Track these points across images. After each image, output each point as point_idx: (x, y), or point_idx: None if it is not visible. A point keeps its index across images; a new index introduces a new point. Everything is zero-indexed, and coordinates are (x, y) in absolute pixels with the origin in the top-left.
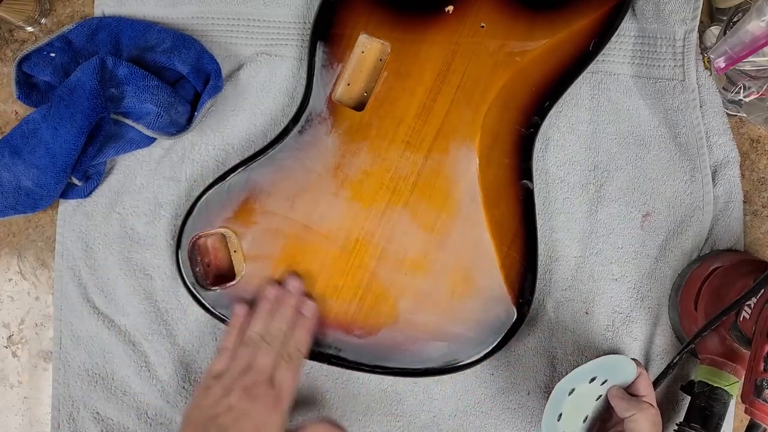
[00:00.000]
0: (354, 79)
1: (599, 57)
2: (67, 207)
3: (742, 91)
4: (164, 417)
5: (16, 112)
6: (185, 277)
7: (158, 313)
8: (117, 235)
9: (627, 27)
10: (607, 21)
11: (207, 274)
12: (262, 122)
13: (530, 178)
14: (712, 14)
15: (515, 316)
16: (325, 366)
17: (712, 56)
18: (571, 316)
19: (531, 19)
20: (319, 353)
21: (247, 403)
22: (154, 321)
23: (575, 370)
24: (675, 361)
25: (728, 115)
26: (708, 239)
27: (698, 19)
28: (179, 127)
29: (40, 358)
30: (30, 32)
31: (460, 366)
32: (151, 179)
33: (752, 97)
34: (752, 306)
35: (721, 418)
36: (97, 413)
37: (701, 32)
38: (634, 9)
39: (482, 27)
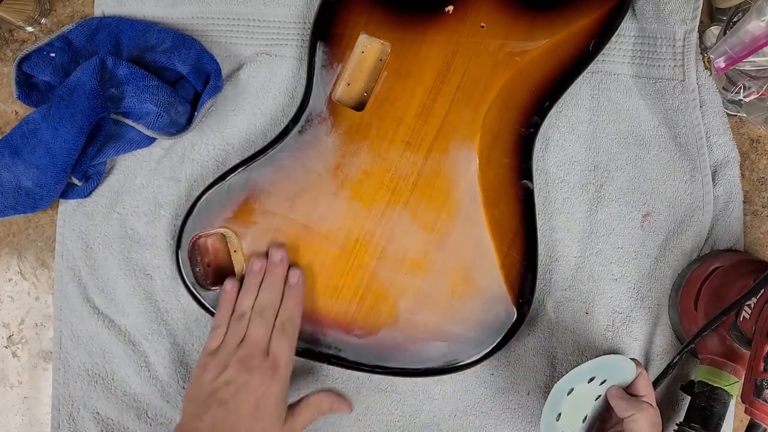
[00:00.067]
0: (354, 79)
1: (599, 57)
2: (67, 207)
3: (742, 91)
4: (164, 417)
5: (16, 112)
6: (185, 277)
7: (158, 313)
8: (117, 235)
9: (627, 27)
10: (607, 21)
11: (207, 274)
12: (262, 122)
13: (530, 178)
14: (712, 14)
15: (515, 316)
16: (325, 366)
17: (712, 56)
18: (571, 316)
19: (531, 19)
20: (319, 353)
21: (245, 376)
22: (154, 321)
23: (574, 370)
24: (675, 361)
25: (728, 115)
26: (708, 239)
27: (698, 19)
28: (179, 127)
29: (40, 358)
30: (30, 32)
31: (460, 366)
32: (151, 179)
33: (752, 97)
34: (752, 306)
35: (721, 418)
36: (97, 413)
37: (701, 32)
38: (634, 9)
39: (482, 27)
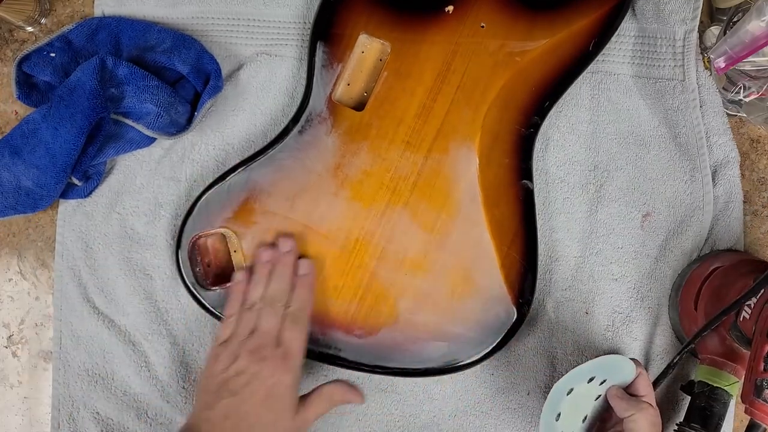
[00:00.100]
0: (354, 79)
1: (599, 57)
2: (67, 207)
3: (742, 91)
4: (164, 417)
5: (16, 112)
6: (185, 277)
7: (158, 313)
8: (117, 235)
9: (627, 27)
10: (607, 21)
11: (207, 274)
12: (262, 122)
13: (530, 178)
14: (712, 14)
15: (515, 316)
16: (325, 366)
17: (712, 56)
18: (571, 316)
19: (531, 19)
20: (319, 353)
21: (256, 366)
22: (154, 321)
23: (573, 370)
24: (675, 361)
25: (728, 115)
26: (708, 239)
27: (698, 19)
28: (179, 127)
29: (40, 358)
30: (30, 32)
31: (460, 366)
32: (151, 179)
33: (752, 97)
34: (752, 306)
35: (721, 418)
36: (97, 413)
37: (701, 32)
38: (634, 9)
39: (482, 27)
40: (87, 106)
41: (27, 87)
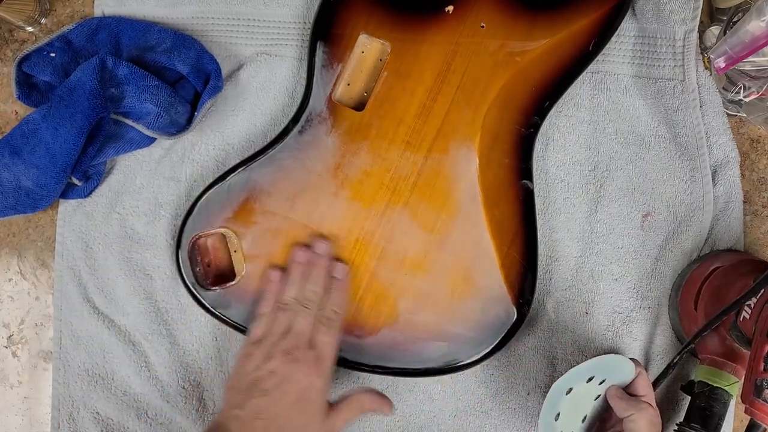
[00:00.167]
0: (354, 79)
1: (599, 57)
2: (67, 207)
3: (742, 91)
4: (164, 417)
5: (16, 112)
6: (185, 277)
7: (158, 313)
8: (117, 235)
9: (627, 27)
10: (607, 21)
11: (207, 274)
12: (262, 122)
13: (530, 178)
14: (712, 14)
15: (515, 316)
16: None
17: (712, 56)
18: (571, 316)
19: (531, 19)
20: None
21: (289, 367)
22: (154, 321)
23: (571, 369)
24: (675, 361)
25: (728, 115)
26: (708, 239)
27: (698, 19)
28: (179, 127)
29: (40, 358)
30: (30, 32)
31: (460, 366)
32: (151, 179)
33: (752, 97)
34: (752, 306)
35: (721, 418)
36: (97, 413)
37: (701, 32)
38: (634, 9)
39: (482, 27)
40: (87, 106)
41: (27, 87)
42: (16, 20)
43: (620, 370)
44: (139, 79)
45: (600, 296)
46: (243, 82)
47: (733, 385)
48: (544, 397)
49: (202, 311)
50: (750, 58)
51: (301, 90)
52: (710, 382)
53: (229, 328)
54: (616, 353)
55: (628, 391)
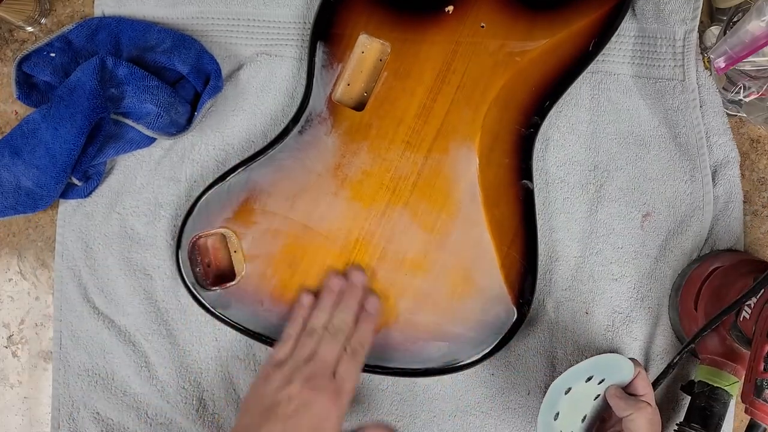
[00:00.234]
0: (354, 79)
1: (599, 57)
2: (67, 207)
3: (742, 91)
4: (164, 417)
5: (16, 112)
6: (185, 277)
7: (158, 313)
8: (117, 235)
9: (627, 27)
10: (607, 21)
11: (207, 274)
12: (262, 122)
13: (530, 178)
14: (712, 14)
15: (515, 316)
16: None
17: (712, 56)
18: (571, 316)
19: (531, 19)
20: None
21: (308, 394)
22: (154, 321)
23: (570, 369)
24: (675, 361)
25: (728, 115)
26: (708, 239)
27: (698, 19)
28: (179, 127)
29: (40, 358)
30: (30, 32)
31: (460, 366)
32: (151, 179)
33: (752, 97)
34: (752, 306)
35: (721, 418)
36: (97, 413)
37: (701, 32)
38: (634, 9)
39: (482, 27)
40: (87, 106)
41: (27, 87)
42: (16, 20)
43: (619, 369)
44: (139, 79)
45: (600, 296)
46: (243, 82)
47: (733, 385)
48: (544, 396)
49: (202, 311)
50: (750, 58)
51: (301, 90)
52: (710, 382)
53: (229, 328)
54: (616, 353)
55: (627, 390)
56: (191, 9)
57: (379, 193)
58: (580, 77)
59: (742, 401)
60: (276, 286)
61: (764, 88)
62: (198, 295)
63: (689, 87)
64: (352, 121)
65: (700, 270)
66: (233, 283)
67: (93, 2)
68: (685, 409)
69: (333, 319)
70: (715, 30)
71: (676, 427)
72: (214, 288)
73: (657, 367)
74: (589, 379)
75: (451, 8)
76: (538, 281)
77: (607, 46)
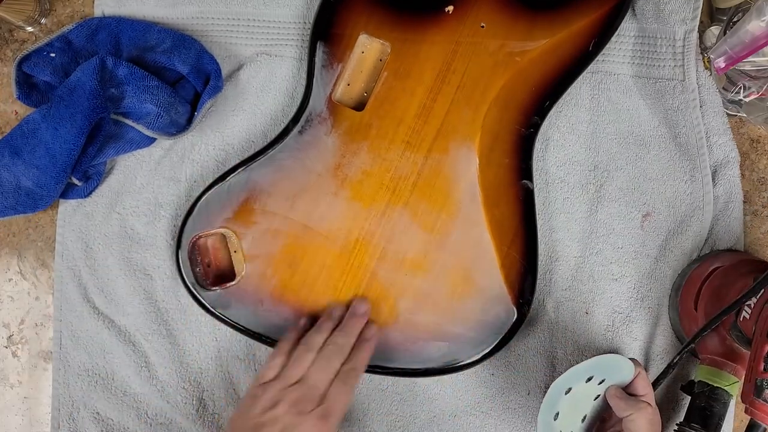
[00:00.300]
0: (354, 79)
1: (599, 57)
2: (67, 207)
3: (742, 91)
4: (164, 417)
5: (16, 112)
6: (185, 277)
7: (158, 313)
8: (117, 235)
9: (627, 27)
10: (607, 21)
11: (207, 274)
12: (262, 122)
13: (530, 178)
14: (712, 14)
15: (515, 316)
16: None
17: (712, 56)
18: (571, 316)
19: (531, 19)
20: None
21: (294, 419)
22: (154, 321)
23: (570, 369)
24: (675, 361)
25: (728, 115)
26: (708, 239)
27: (698, 19)
28: (179, 127)
29: (40, 358)
30: (30, 32)
31: (460, 366)
32: (151, 179)
33: (752, 97)
34: (752, 306)
35: (721, 418)
36: (97, 413)
37: (701, 32)
38: (634, 9)
39: (482, 27)
40: (87, 106)
41: (27, 87)
42: (16, 20)
43: (619, 369)
44: (139, 79)
45: (600, 296)
46: (243, 82)
47: (733, 385)
48: (544, 396)
49: (202, 311)
50: (750, 58)
51: (301, 90)
52: (710, 382)
53: (229, 328)
54: (616, 353)
55: (627, 391)
56: (191, 9)
57: (379, 193)
58: (580, 77)
59: (742, 401)
60: (276, 286)
61: (764, 88)
62: (198, 295)
63: (689, 87)
64: (352, 121)
65: (700, 270)
66: (233, 283)
67: (93, 2)
68: (685, 409)
69: (328, 342)
70: (715, 30)
71: (676, 427)
72: (214, 288)
73: (657, 367)
74: (589, 379)
75: (451, 8)
76: (538, 281)
77: (607, 46)
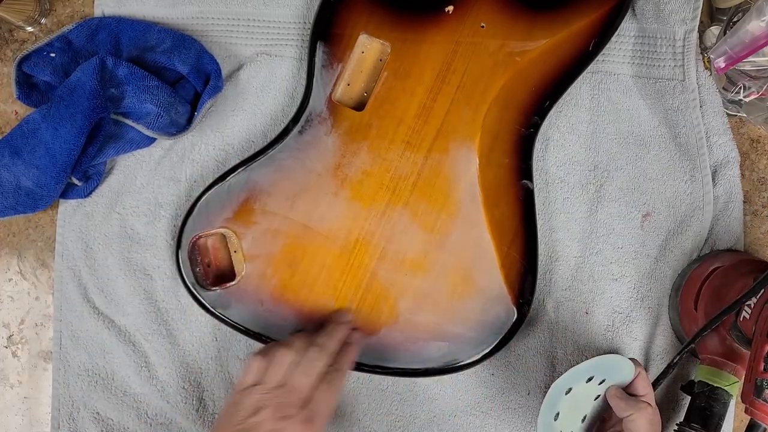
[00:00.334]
0: (354, 79)
1: (599, 57)
2: (67, 207)
3: (742, 91)
4: (164, 417)
5: (16, 112)
6: (185, 277)
7: (158, 313)
8: (117, 235)
9: (627, 27)
10: (607, 21)
11: (207, 274)
12: (262, 122)
13: (530, 178)
14: (712, 14)
15: (515, 316)
16: None
17: (712, 56)
18: (571, 316)
19: (531, 19)
20: None
21: (277, 423)
22: (154, 321)
23: (571, 369)
24: (675, 361)
25: (728, 115)
26: (708, 239)
27: (698, 19)
28: (179, 127)
29: (40, 358)
30: (30, 32)
31: (460, 366)
32: (151, 179)
33: (752, 97)
34: (752, 306)
35: (721, 418)
36: (97, 413)
37: (701, 32)
38: (634, 9)
39: (482, 27)
40: (87, 106)
41: (27, 87)
42: (16, 20)
43: (620, 370)
44: (139, 79)
45: (600, 296)
46: (243, 82)
47: (733, 385)
48: (545, 396)
49: (202, 311)
50: (750, 58)
51: (301, 90)
52: (710, 382)
53: (229, 328)
54: (616, 353)
55: (627, 391)
56: (191, 9)
57: (379, 193)
58: (580, 77)
59: (742, 401)
60: (276, 286)
61: (764, 88)
62: (198, 295)
63: (689, 87)
64: (352, 121)
65: (700, 270)
66: (233, 283)
67: (93, 2)
68: (685, 409)
69: (310, 344)
70: (715, 30)
71: (676, 427)
72: (214, 288)
73: (657, 367)
74: (589, 379)
75: (451, 8)
76: (538, 281)
77: (607, 46)
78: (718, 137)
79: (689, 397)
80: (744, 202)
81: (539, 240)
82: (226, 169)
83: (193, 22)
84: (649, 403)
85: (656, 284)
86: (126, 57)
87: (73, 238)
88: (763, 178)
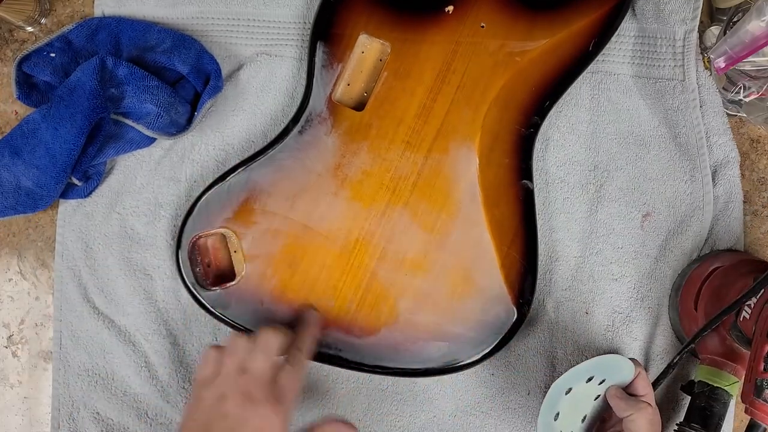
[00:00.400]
0: (354, 79)
1: (599, 57)
2: (67, 207)
3: (742, 91)
4: (164, 417)
5: (16, 112)
6: (185, 277)
7: (158, 313)
8: (117, 235)
9: (627, 27)
10: (607, 21)
11: (207, 274)
12: (262, 122)
13: (530, 178)
14: (712, 14)
15: (515, 316)
16: (325, 366)
17: (712, 56)
18: (571, 316)
19: (531, 19)
20: (319, 353)
21: (244, 410)
22: (154, 321)
23: (571, 369)
24: (675, 361)
25: (728, 115)
26: (708, 239)
27: (698, 19)
28: (179, 127)
29: (40, 358)
30: (30, 32)
31: (460, 366)
32: (151, 179)
33: (752, 97)
34: (752, 306)
35: (721, 418)
36: (97, 413)
37: (701, 32)
38: (634, 9)
39: (482, 27)
40: (87, 106)
41: (27, 87)
42: (16, 20)
43: (620, 370)
44: (139, 79)
45: (600, 296)
46: (243, 82)
47: (733, 385)
48: (544, 396)
49: (202, 311)
50: (750, 58)
51: (301, 90)
52: (710, 382)
53: (229, 328)
54: (616, 353)
55: (627, 391)
56: (191, 9)
57: (379, 193)
58: (580, 77)
59: (742, 401)
60: (276, 286)
61: (764, 88)
62: (198, 295)
63: (689, 87)
64: (352, 121)
65: (700, 270)
66: (233, 283)
67: (93, 2)
68: (685, 409)
69: (260, 333)
70: (715, 30)
71: (676, 427)
72: (214, 288)
73: (657, 367)
74: (589, 379)
75: (451, 8)
76: (538, 281)
77: (607, 46)
78: (718, 137)
79: (689, 397)
80: (744, 202)
81: (539, 240)
82: (226, 169)
83: (193, 22)
84: (649, 403)
85: (656, 284)
86: (126, 57)
87: (73, 238)
88: (763, 178)
